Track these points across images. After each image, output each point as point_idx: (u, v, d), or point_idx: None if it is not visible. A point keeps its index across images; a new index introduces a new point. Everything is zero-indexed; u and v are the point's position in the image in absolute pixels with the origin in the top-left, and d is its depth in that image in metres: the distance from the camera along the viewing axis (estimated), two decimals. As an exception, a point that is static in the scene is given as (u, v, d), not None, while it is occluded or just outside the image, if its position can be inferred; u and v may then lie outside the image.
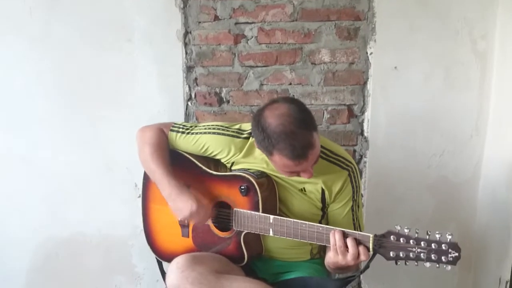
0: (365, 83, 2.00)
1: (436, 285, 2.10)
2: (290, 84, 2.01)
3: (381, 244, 1.24)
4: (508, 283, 1.90)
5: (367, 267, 1.35)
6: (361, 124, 2.04)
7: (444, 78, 1.98)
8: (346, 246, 1.29)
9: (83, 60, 2.00)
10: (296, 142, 1.29)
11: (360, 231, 1.53)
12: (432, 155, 2.05)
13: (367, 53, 1.97)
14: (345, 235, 1.30)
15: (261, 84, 2.02)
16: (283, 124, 1.30)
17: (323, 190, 1.48)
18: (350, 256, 1.29)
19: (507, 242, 1.88)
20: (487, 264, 2.05)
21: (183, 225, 1.59)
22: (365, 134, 2.03)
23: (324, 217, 1.54)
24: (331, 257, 1.34)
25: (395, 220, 2.04)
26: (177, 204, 1.47)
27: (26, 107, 2.04)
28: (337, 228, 1.32)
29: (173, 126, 1.60)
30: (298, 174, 1.39)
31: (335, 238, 1.30)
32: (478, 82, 1.98)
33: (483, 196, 2.07)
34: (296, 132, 1.29)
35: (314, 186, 1.48)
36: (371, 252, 1.26)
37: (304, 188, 1.49)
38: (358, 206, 1.54)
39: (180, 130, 1.58)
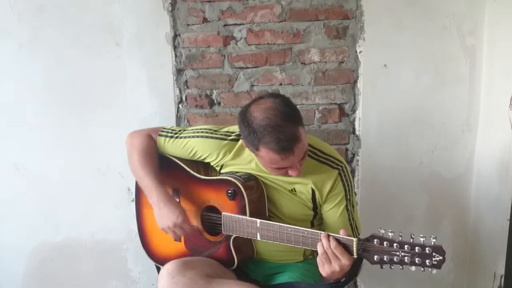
0: (355, 81, 1.99)
1: (432, 281, 2.10)
2: (281, 84, 2.00)
3: (365, 248, 1.22)
4: (503, 277, 1.90)
5: (354, 274, 1.33)
6: (352, 123, 2.03)
7: (433, 74, 1.98)
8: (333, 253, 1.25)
9: (72, 65, 1.99)
10: (281, 135, 1.28)
11: (357, 231, 1.53)
12: (424, 151, 2.05)
13: (356, 51, 1.96)
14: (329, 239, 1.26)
15: (252, 85, 2.01)
16: (268, 118, 1.30)
17: (313, 191, 1.47)
18: (334, 262, 1.24)
19: (501, 237, 1.89)
20: (482, 259, 2.05)
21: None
22: (357, 132, 2.03)
23: (316, 217, 1.54)
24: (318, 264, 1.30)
25: (389, 218, 2.07)
26: (163, 212, 1.46)
27: (16, 113, 2.03)
28: (322, 233, 1.28)
29: (161, 131, 1.59)
30: (286, 171, 1.38)
31: (323, 246, 1.26)
32: (467, 78, 1.98)
33: (476, 191, 2.07)
34: (282, 125, 1.29)
35: (304, 186, 1.47)
36: (355, 256, 1.24)
37: (294, 188, 1.49)
38: (353, 206, 1.52)
39: (169, 134, 1.58)
